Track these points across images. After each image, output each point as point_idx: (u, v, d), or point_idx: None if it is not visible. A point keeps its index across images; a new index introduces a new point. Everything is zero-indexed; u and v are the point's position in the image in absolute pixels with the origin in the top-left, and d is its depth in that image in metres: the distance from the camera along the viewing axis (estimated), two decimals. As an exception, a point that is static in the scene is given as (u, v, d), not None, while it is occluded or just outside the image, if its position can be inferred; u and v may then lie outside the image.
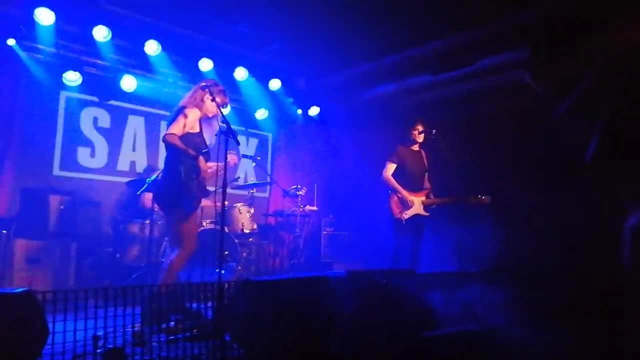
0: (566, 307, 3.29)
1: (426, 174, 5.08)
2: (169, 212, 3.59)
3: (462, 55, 5.38)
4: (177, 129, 3.46)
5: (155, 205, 4.31)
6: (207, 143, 3.68)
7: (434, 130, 4.94)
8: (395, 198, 4.87)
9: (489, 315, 3.34)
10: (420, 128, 4.94)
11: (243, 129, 6.95)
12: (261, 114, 6.87)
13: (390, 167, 4.92)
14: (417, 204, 4.88)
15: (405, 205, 4.83)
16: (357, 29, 5.34)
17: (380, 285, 3.19)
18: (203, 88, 3.62)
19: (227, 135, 3.24)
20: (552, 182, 4.91)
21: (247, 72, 6.29)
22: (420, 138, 4.96)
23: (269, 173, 7.00)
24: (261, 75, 6.49)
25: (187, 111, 3.55)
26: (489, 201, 4.81)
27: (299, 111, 7.18)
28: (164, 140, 3.48)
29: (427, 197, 4.98)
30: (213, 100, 3.53)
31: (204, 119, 3.70)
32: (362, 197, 6.30)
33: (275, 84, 6.60)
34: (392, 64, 5.90)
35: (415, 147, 5.04)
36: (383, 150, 5.25)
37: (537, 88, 4.82)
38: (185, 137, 3.49)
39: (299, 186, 6.17)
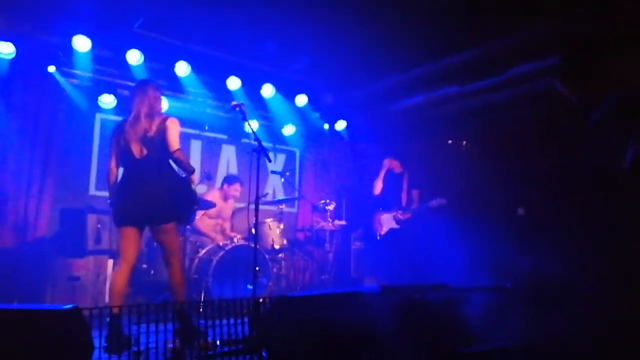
0: (602, 321, 3.20)
1: (405, 192, 5.79)
2: (174, 226, 3.55)
3: (490, 66, 5.35)
4: (178, 142, 3.49)
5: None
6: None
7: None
8: (377, 219, 5.80)
9: (524, 331, 3.27)
10: (391, 162, 5.87)
11: (271, 145, 7.04)
12: (288, 129, 6.95)
13: (378, 185, 5.86)
14: (388, 220, 5.73)
15: (380, 224, 5.77)
16: (384, 42, 5.38)
17: (414, 300, 3.17)
18: (154, 90, 3.62)
19: (259, 153, 3.30)
20: (586, 194, 4.81)
21: (274, 88, 6.39)
22: (396, 168, 5.87)
23: (297, 188, 7.04)
24: (288, 92, 6.58)
25: (174, 122, 3.53)
26: (445, 202, 5.41)
27: (326, 126, 7.24)
28: (175, 157, 3.48)
29: (397, 211, 5.71)
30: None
31: None
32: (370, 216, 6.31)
33: (301, 100, 6.68)
34: (420, 75, 5.91)
35: (396, 171, 5.88)
36: (410, 162, 5.51)
37: (569, 97, 4.76)
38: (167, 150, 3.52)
39: (327, 201, 6.20)
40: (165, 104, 5.64)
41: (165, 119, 3.53)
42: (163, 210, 3.46)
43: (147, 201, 3.42)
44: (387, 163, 5.86)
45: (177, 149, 3.45)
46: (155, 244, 5.14)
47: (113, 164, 3.58)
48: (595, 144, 4.60)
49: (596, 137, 4.58)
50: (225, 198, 5.72)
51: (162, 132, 3.46)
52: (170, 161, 3.52)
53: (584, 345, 2.88)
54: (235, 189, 5.67)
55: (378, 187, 5.83)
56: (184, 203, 3.54)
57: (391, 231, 5.67)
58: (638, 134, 3.71)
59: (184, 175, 3.57)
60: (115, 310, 3.05)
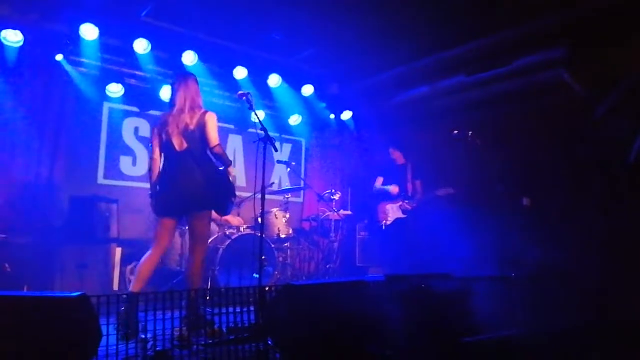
0: (605, 310, 3.21)
1: (410, 182, 5.76)
2: (207, 214, 3.67)
3: (497, 56, 5.31)
4: (217, 136, 3.61)
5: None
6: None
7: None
8: (381, 209, 5.71)
9: (528, 320, 3.29)
10: (393, 153, 5.84)
11: (277, 134, 7.05)
12: (294, 119, 6.95)
13: (378, 180, 5.83)
14: (394, 210, 5.65)
15: (384, 214, 5.68)
16: (389, 32, 5.35)
17: (419, 289, 3.19)
18: (194, 83, 3.75)
19: (266, 142, 3.31)
20: (592, 184, 4.79)
21: (281, 78, 6.38)
22: (399, 159, 5.83)
23: (303, 178, 7.06)
24: (294, 82, 6.57)
25: (212, 117, 3.64)
26: (452, 191, 5.44)
27: (332, 116, 7.23)
28: (215, 152, 3.60)
29: (403, 201, 5.66)
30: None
31: None
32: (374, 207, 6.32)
33: (308, 90, 6.67)
34: (425, 66, 5.88)
35: (399, 162, 5.84)
36: (415, 152, 5.51)
37: (576, 87, 4.72)
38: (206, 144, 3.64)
39: (333, 190, 6.21)
40: (169, 95, 5.70)
41: (204, 113, 3.65)
42: (202, 198, 3.59)
43: (186, 191, 3.56)
44: (391, 152, 5.87)
45: (217, 144, 3.58)
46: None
47: (156, 156, 3.71)
48: (603, 135, 4.57)
49: (604, 128, 4.55)
50: None
51: (202, 126, 3.59)
52: (209, 154, 3.64)
53: (585, 334, 2.90)
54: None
55: (378, 182, 5.84)
56: (222, 193, 3.66)
57: (398, 221, 5.63)
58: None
59: (221, 168, 3.68)
60: (133, 293, 3.19)
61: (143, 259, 3.55)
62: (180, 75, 3.85)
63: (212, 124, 3.61)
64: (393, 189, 5.65)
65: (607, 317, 3.19)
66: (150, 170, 3.73)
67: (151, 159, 3.73)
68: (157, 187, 3.67)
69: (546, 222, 5.00)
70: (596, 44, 4.72)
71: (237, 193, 6.10)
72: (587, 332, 2.99)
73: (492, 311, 3.27)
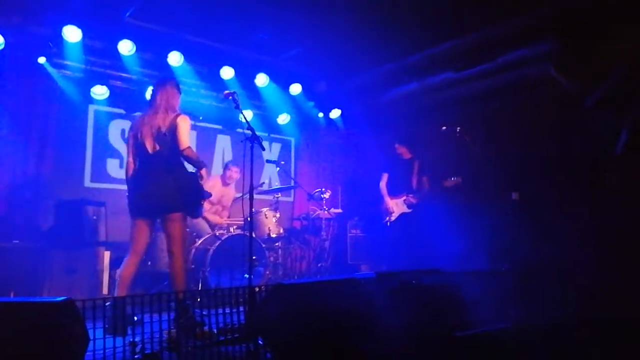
0: (596, 303, 3.23)
1: (415, 177, 5.62)
2: (178, 217, 3.64)
3: (484, 51, 5.32)
4: (188, 140, 3.62)
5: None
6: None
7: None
8: (384, 205, 5.64)
9: (519, 313, 3.30)
10: (399, 148, 5.71)
11: (266, 134, 7.02)
12: (283, 118, 6.92)
13: (384, 178, 5.74)
14: (399, 206, 5.55)
15: (387, 211, 5.58)
16: (376, 30, 5.34)
17: (410, 285, 3.19)
18: (173, 87, 3.76)
19: (253, 142, 3.29)
20: (581, 177, 4.82)
21: (268, 78, 6.35)
22: (405, 154, 5.69)
23: (293, 177, 7.04)
24: (282, 81, 6.54)
25: (184, 120, 3.65)
26: (461, 181, 5.29)
27: (321, 114, 7.21)
28: (185, 155, 3.60)
29: (408, 195, 5.54)
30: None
31: None
32: (378, 204, 6.30)
33: (296, 89, 6.65)
34: (413, 63, 5.88)
35: (405, 157, 5.70)
36: (388, 158, 5.52)
37: (563, 81, 4.74)
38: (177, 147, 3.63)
39: (323, 189, 6.20)
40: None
41: (177, 116, 3.65)
42: (172, 200, 3.60)
43: (156, 193, 3.59)
44: (397, 147, 5.73)
45: (187, 147, 3.58)
46: (154, 235, 5.20)
47: (131, 158, 3.74)
48: (591, 128, 4.60)
49: (592, 121, 4.58)
50: (226, 184, 5.76)
51: (174, 128, 3.59)
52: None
53: (576, 327, 2.91)
54: (235, 172, 5.76)
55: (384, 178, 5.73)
56: (192, 196, 3.66)
57: (403, 216, 5.52)
58: (632, 115, 3.71)
59: (193, 171, 3.71)
60: (118, 297, 3.14)
61: (122, 264, 3.59)
62: (159, 79, 3.90)
63: (184, 126, 3.61)
64: (389, 203, 5.58)
65: (599, 312, 3.20)
66: (126, 172, 3.79)
67: (126, 161, 3.78)
68: (130, 189, 3.74)
69: (537, 216, 5.03)
70: (582, 38, 4.75)
71: (236, 194, 6.21)
72: (579, 326, 3.01)
73: (485, 305, 3.28)
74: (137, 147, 3.69)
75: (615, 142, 3.91)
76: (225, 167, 5.89)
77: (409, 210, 5.51)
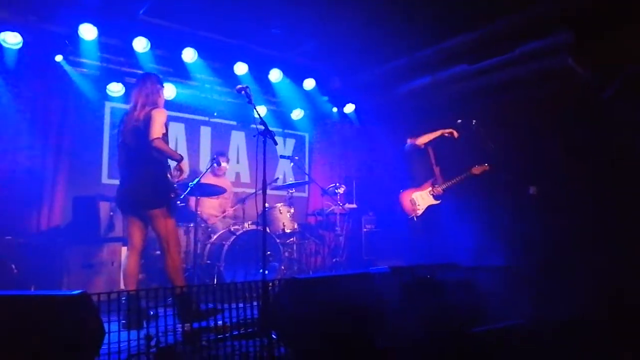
0: (613, 297, 3.16)
1: (434, 168, 5.41)
2: (156, 213, 3.60)
3: (499, 43, 5.23)
4: (158, 132, 3.52)
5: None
6: None
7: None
8: (407, 199, 5.33)
9: (535, 309, 3.25)
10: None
11: (280, 130, 7.03)
12: (297, 114, 6.92)
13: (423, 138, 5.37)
14: (424, 198, 5.29)
15: (412, 204, 5.30)
16: (390, 23, 5.29)
17: (425, 280, 3.16)
18: (154, 83, 3.74)
19: (265, 136, 3.28)
20: (599, 170, 4.72)
21: (282, 73, 6.35)
22: (420, 143, 5.40)
23: (307, 172, 7.03)
24: (295, 76, 6.54)
25: (158, 113, 3.59)
26: (489, 168, 5.07)
27: (334, 109, 7.19)
28: (153, 145, 3.51)
29: (433, 186, 5.30)
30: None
31: None
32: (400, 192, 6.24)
33: (309, 84, 6.64)
34: (427, 56, 5.81)
35: (420, 147, 5.44)
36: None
37: (581, 72, 4.64)
38: (162, 138, 3.57)
39: (337, 184, 6.18)
40: (170, 93, 5.66)
41: (153, 109, 3.60)
42: (142, 197, 3.59)
43: (131, 189, 3.62)
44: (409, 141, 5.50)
45: (155, 138, 3.48)
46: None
47: (118, 154, 3.79)
48: (609, 121, 4.50)
49: (610, 114, 4.48)
50: (216, 175, 5.71)
51: (147, 121, 3.54)
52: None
53: (592, 324, 2.85)
54: (222, 164, 5.66)
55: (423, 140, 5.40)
56: (158, 191, 3.61)
57: (431, 208, 5.26)
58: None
59: (170, 164, 3.67)
60: (132, 290, 3.18)
61: (124, 261, 3.66)
62: (140, 75, 3.92)
63: (157, 118, 3.54)
64: (414, 196, 5.28)
65: (616, 307, 3.14)
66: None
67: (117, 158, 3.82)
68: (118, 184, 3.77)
69: (555, 210, 4.94)
70: (600, 29, 4.64)
71: (242, 190, 6.24)
72: (595, 322, 2.95)
73: (499, 301, 3.23)
74: (119, 143, 3.73)
75: (636, 132, 3.81)
76: (214, 160, 5.48)
77: (437, 202, 5.26)
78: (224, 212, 5.78)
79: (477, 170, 5.15)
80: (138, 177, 3.60)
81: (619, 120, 4.32)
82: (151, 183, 3.60)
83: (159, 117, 3.56)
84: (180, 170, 3.64)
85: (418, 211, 5.26)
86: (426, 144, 5.42)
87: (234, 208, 5.80)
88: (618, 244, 4.14)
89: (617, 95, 4.26)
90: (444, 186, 5.28)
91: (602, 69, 4.58)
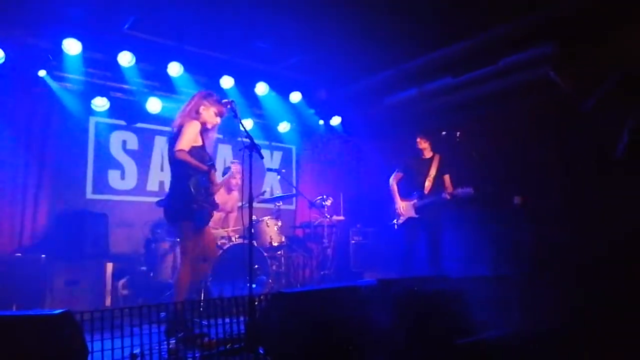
0: (602, 307, 3.19)
1: (430, 178, 5.32)
2: (180, 227, 3.59)
3: (482, 56, 5.32)
4: (184, 144, 3.48)
5: None
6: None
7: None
8: (392, 206, 5.45)
9: (523, 319, 3.27)
10: (421, 143, 5.39)
11: (267, 142, 7.03)
12: (284, 127, 6.93)
13: (396, 175, 5.52)
14: (408, 209, 5.35)
15: (395, 213, 5.40)
16: (375, 36, 5.35)
17: (412, 292, 3.16)
18: (201, 98, 3.72)
19: (251, 150, 3.28)
20: (584, 180, 4.79)
21: (268, 86, 6.37)
22: (426, 151, 5.39)
23: (294, 185, 7.03)
24: (282, 89, 6.56)
25: (188, 125, 3.56)
26: (473, 192, 5.01)
27: (321, 122, 7.21)
28: (175, 157, 3.48)
29: (417, 200, 5.31)
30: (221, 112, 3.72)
31: (203, 131, 3.71)
32: (387, 204, 6.26)
33: (296, 97, 6.67)
34: (412, 69, 5.87)
35: (425, 156, 5.41)
36: (405, 156, 5.38)
37: (562, 85, 4.73)
38: (192, 151, 3.52)
39: (324, 196, 6.18)
40: (156, 107, 5.61)
41: (188, 119, 3.61)
42: (165, 210, 3.67)
43: (166, 199, 3.73)
44: (419, 142, 5.39)
45: (179, 149, 3.46)
46: (153, 245, 5.19)
47: None
48: (590, 131, 4.58)
49: (591, 124, 4.56)
50: (229, 190, 5.63)
51: (179, 130, 3.55)
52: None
53: (579, 333, 2.87)
54: (233, 177, 5.47)
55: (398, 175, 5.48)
56: (176, 206, 3.56)
57: (410, 220, 5.31)
58: (634, 117, 3.69)
59: (193, 176, 3.54)
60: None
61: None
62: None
63: (188, 129, 3.52)
64: (399, 204, 5.36)
65: (604, 316, 3.16)
66: None
67: None
68: None
69: (540, 220, 4.99)
70: (582, 42, 4.74)
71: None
72: (580, 332, 2.97)
73: (486, 311, 3.24)
74: None
75: (615, 145, 3.88)
76: (226, 172, 5.60)
77: (416, 216, 5.30)
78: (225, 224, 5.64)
79: (461, 192, 5.09)
80: (169, 189, 3.71)
81: (602, 129, 4.40)
82: (172, 196, 3.62)
83: (190, 128, 3.53)
84: (211, 181, 3.64)
85: (399, 220, 5.38)
86: (433, 154, 5.38)
87: (234, 229, 5.51)
88: (604, 251, 4.19)
89: (599, 105, 4.34)
90: (421, 203, 5.26)
91: (584, 81, 4.67)
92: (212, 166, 3.66)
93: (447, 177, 5.31)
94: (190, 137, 3.52)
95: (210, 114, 3.69)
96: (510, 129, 5.44)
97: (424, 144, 5.39)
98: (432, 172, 5.32)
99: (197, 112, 3.67)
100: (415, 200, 5.33)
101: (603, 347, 2.72)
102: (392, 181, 5.50)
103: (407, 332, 2.85)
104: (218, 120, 3.75)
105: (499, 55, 5.29)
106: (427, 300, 3.12)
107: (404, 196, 5.42)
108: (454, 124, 5.32)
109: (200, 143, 3.62)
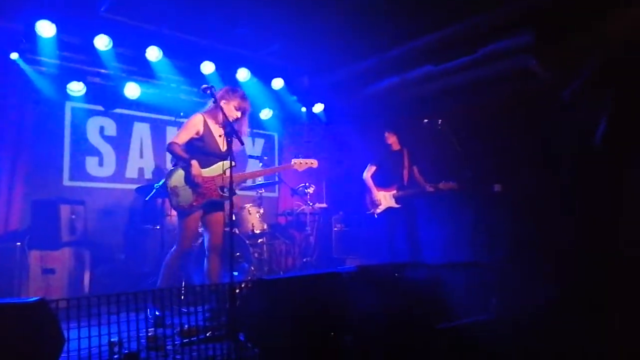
0: (578, 293, 3.25)
1: (406, 169, 5.52)
2: (177, 213, 3.87)
3: (462, 44, 5.33)
4: (177, 137, 3.75)
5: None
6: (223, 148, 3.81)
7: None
8: (368, 197, 5.56)
9: (502, 305, 3.32)
10: (389, 137, 5.59)
11: (248, 129, 6.95)
12: (265, 114, 6.87)
13: (370, 169, 5.63)
14: (387, 199, 5.45)
15: (373, 203, 5.49)
16: (357, 24, 5.32)
17: (392, 278, 3.18)
18: (222, 93, 3.86)
19: (231, 136, 3.25)
20: (560, 169, 4.86)
21: (249, 72, 6.29)
22: (395, 144, 5.59)
23: (277, 172, 6.99)
24: (263, 75, 6.49)
25: (190, 118, 3.81)
26: (456, 187, 5.20)
27: (303, 109, 7.17)
28: (167, 149, 3.77)
29: (398, 190, 5.44)
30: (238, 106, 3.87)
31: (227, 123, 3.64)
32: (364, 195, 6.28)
33: (278, 83, 6.60)
34: (394, 57, 5.86)
35: (395, 149, 5.60)
36: (377, 149, 5.44)
37: (542, 73, 4.77)
38: (189, 142, 3.74)
39: (307, 184, 6.17)
40: (135, 92, 5.51)
41: (195, 114, 3.85)
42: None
43: None
44: (387, 137, 5.59)
45: (170, 142, 3.71)
46: (132, 233, 5.14)
47: None
48: (570, 119, 4.63)
49: (571, 112, 4.61)
50: None
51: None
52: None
53: (558, 318, 2.93)
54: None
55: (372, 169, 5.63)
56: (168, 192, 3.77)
57: (390, 210, 5.42)
58: (611, 103, 3.74)
59: (181, 166, 3.76)
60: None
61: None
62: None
63: (187, 122, 3.78)
64: (376, 195, 5.46)
65: (582, 300, 3.23)
66: None
67: None
68: None
69: (519, 208, 5.06)
70: (561, 30, 4.77)
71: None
72: (560, 316, 3.03)
73: (467, 297, 3.29)
74: None
75: (594, 133, 3.94)
76: None
77: (397, 206, 5.41)
78: None
79: (443, 186, 5.27)
80: None
81: (582, 117, 4.45)
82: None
83: (187, 121, 3.78)
84: (192, 173, 3.70)
85: (378, 209, 5.46)
86: (402, 147, 5.57)
87: None
88: (583, 237, 4.27)
89: (578, 92, 4.39)
90: (402, 193, 5.42)
91: (563, 69, 4.72)
92: (214, 157, 3.79)
93: (416, 169, 5.54)
94: (187, 131, 3.73)
95: (230, 107, 3.82)
96: (491, 117, 5.49)
97: (392, 139, 5.58)
98: (406, 163, 5.53)
99: (213, 107, 3.81)
100: (395, 191, 5.44)
101: (580, 332, 2.78)
102: (367, 174, 5.61)
103: (388, 318, 2.87)
104: (238, 114, 3.89)
105: (479, 44, 5.30)
106: (407, 286, 3.14)
107: (383, 186, 5.51)
108: (436, 111, 5.33)
109: (201, 134, 3.76)
